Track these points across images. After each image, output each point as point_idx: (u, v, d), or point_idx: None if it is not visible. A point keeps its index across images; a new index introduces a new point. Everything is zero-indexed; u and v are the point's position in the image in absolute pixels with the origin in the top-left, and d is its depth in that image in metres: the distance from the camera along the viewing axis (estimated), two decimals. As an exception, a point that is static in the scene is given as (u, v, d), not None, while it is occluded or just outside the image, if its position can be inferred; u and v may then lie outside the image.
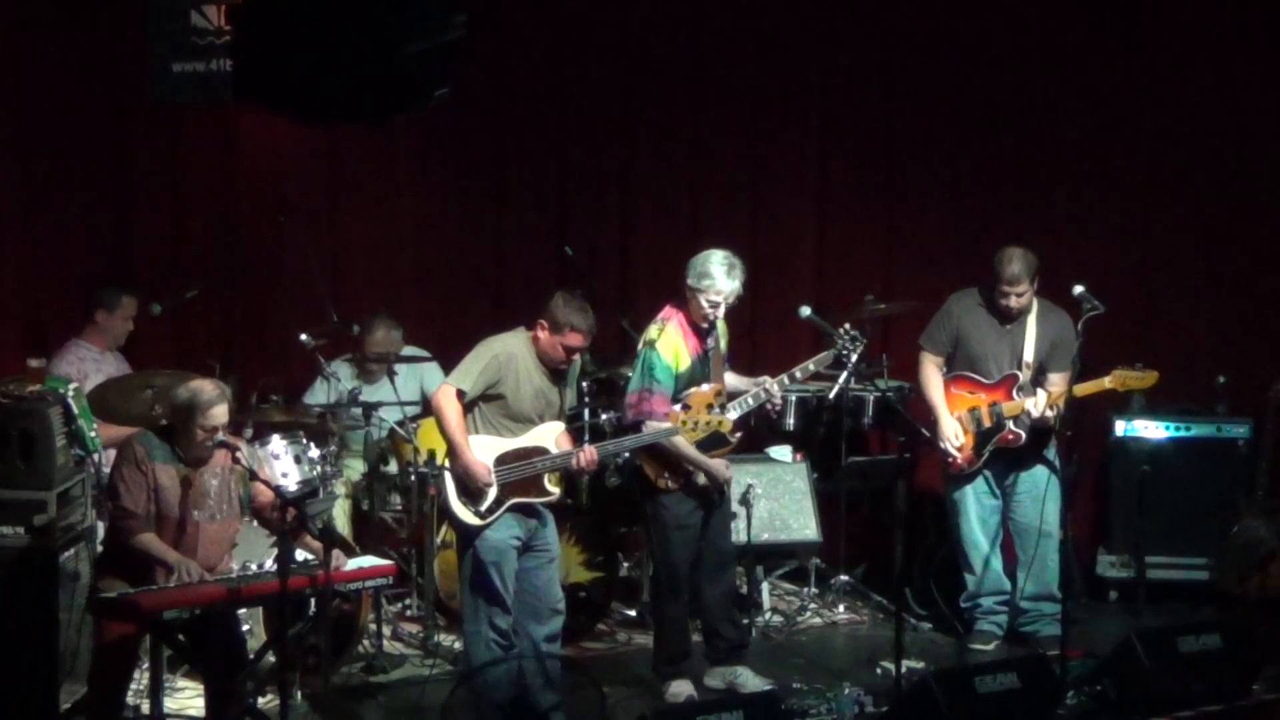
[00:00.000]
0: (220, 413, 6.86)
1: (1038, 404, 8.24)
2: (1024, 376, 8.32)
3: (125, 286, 8.82)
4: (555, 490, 7.47)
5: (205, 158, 9.54)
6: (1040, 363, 8.35)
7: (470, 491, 7.32)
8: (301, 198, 9.56)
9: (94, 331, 8.66)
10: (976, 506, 8.45)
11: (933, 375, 8.48)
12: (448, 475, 7.39)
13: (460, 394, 7.32)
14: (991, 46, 9.83)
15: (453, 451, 7.36)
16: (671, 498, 7.69)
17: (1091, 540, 9.30)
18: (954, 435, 8.36)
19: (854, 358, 7.72)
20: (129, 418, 7.82)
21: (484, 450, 7.33)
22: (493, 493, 7.31)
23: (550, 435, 7.46)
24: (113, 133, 9.34)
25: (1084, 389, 8.18)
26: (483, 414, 7.38)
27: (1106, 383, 8.24)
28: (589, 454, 7.44)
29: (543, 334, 7.39)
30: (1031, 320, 8.35)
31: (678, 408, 7.59)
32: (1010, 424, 8.30)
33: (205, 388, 6.90)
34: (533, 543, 7.45)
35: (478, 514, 7.32)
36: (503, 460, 7.35)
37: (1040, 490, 8.29)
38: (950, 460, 8.41)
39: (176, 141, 9.48)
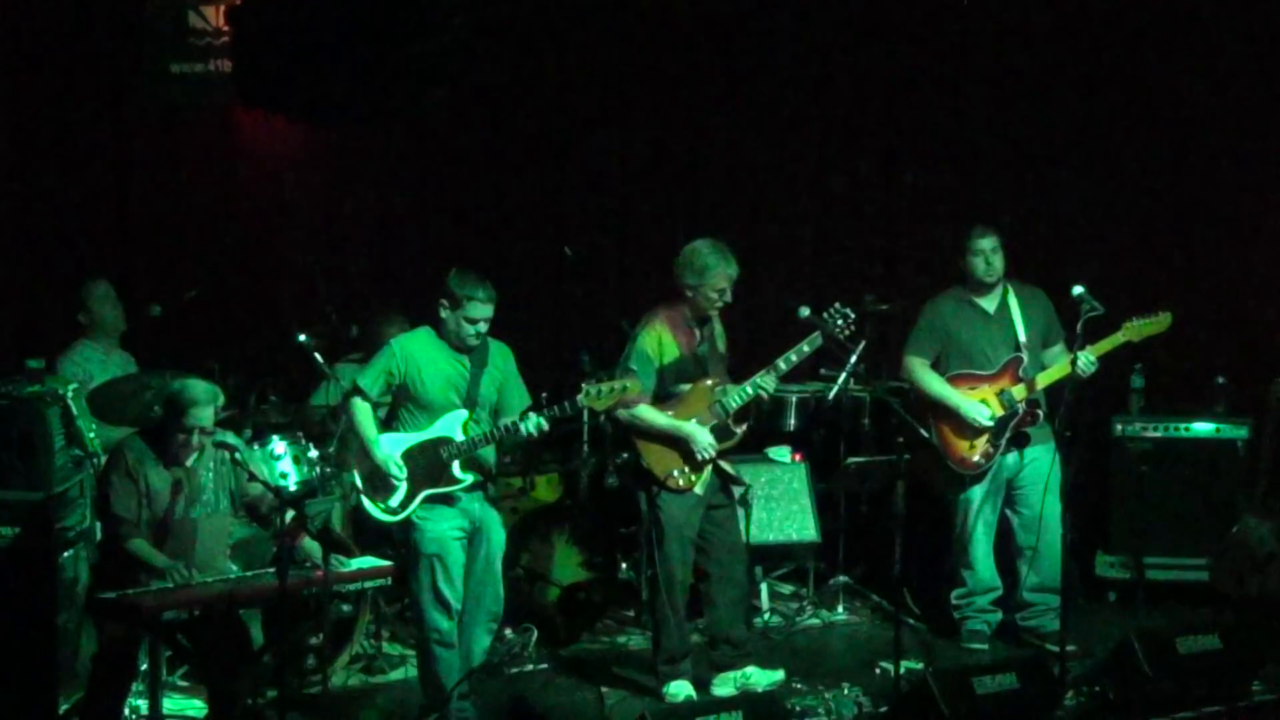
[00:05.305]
0: (202, 415, 6.82)
1: (1089, 361, 8.08)
2: (1026, 358, 8.26)
3: (91, 276, 8.64)
4: (465, 477, 7.29)
5: (205, 158, 9.55)
6: (1040, 340, 8.34)
7: (379, 488, 7.27)
8: (301, 198, 9.57)
9: (89, 330, 8.64)
10: (983, 505, 8.41)
11: (929, 373, 8.41)
12: (357, 477, 7.33)
13: (360, 392, 7.26)
14: (992, 45, 9.83)
15: (362, 449, 7.29)
16: (671, 497, 7.69)
17: (1091, 540, 9.29)
18: (983, 414, 8.25)
19: (843, 336, 7.66)
20: (129, 418, 7.79)
21: (390, 447, 7.26)
22: (403, 487, 7.24)
23: (456, 423, 7.32)
24: (113, 133, 9.35)
25: (1100, 348, 8.12)
26: (398, 412, 7.32)
27: (1120, 337, 8.16)
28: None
29: (444, 313, 7.27)
30: (1014, 303, 8.36)
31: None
32: (1021, 406, 8.23)
33: (196, 387, 6.87)
34: (474, 536, 7.38)
35: (389, 510, 7.27)
36: (409, 455, 7.26)
37: (1044, 480, 8.25)
38: (962, 460, 8.33)
39: (176, 141, 9.48)
